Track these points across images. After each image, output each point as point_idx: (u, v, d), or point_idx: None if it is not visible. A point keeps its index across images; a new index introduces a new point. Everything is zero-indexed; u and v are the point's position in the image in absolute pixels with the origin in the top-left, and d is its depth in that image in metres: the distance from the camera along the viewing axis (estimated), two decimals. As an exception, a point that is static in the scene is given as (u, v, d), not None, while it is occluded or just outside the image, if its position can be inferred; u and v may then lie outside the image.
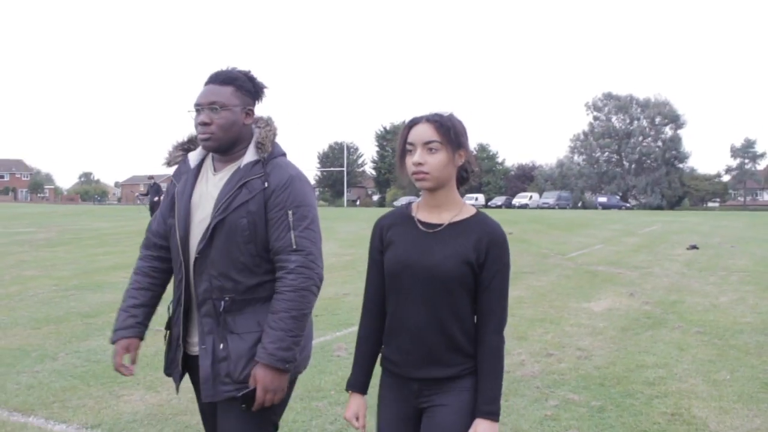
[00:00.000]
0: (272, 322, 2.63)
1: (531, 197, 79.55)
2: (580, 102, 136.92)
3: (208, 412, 2.92)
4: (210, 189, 2.79)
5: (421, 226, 2.49)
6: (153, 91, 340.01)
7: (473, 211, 2.52)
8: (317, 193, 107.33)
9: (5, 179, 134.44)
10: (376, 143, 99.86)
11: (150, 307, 2.94)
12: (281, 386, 2.65)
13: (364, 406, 2.59)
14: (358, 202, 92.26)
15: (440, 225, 2.47)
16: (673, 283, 12.79)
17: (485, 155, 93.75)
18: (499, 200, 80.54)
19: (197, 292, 2.74)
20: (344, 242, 21.16)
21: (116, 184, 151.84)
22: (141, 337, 2.91)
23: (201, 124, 2.72)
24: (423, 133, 2.42)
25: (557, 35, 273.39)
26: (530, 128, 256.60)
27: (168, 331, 2.93)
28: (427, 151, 2.40)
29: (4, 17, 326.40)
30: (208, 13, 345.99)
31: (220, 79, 2.75)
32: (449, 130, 2.41)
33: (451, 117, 2.46)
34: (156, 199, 25.00)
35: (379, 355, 2.62)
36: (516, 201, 78.75)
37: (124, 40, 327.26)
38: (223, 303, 2.68)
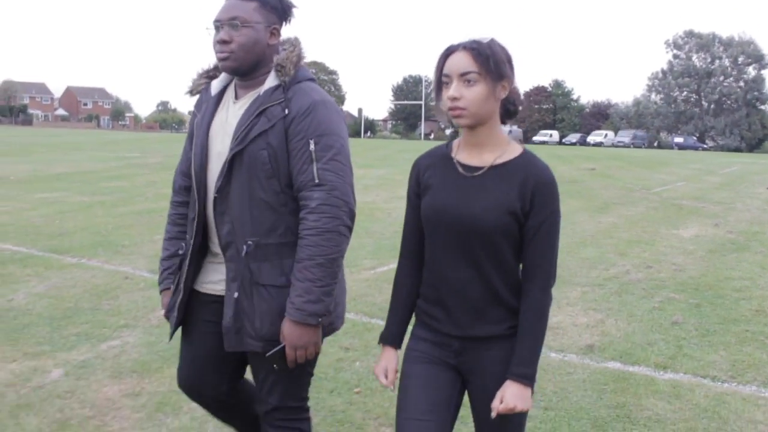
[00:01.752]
0: (297, 273, 2.40)
1: (606, 135, 79.21)
2: (659, 39, 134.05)
3: (190, 359, 2.74)
4: (230, 118, 2.56)
5: (460, 169, 2.24)
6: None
7: (519, 150, 2.25)
8: (389, 125, 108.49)
9: (88, 107, 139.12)
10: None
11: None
12: (312, 341, 2.44)
13: (395, 361, 2.39)
14: (432, 136, 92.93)
15: (482, 168, 2.22)
16: (754, 216, 13.86)
17: (560, 92, 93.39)
18: (573, 137, 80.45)
19: (220, 234, 2.53)
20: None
21: (189, 113, 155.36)
22: None
23: (220, 42, 2.47)
24: (459, 62, 2.14)
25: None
26: (607, 65, 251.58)
27: (172, 272, 2.77)
28: (465, 83, 2.13)
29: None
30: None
31: None
32: (488, 59, 2.12)
33: (491, 44, 2.16)
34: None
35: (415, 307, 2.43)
36: (591, 139, 78.54)
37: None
38: (245, 247, 2.45)
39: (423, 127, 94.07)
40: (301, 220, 2.43)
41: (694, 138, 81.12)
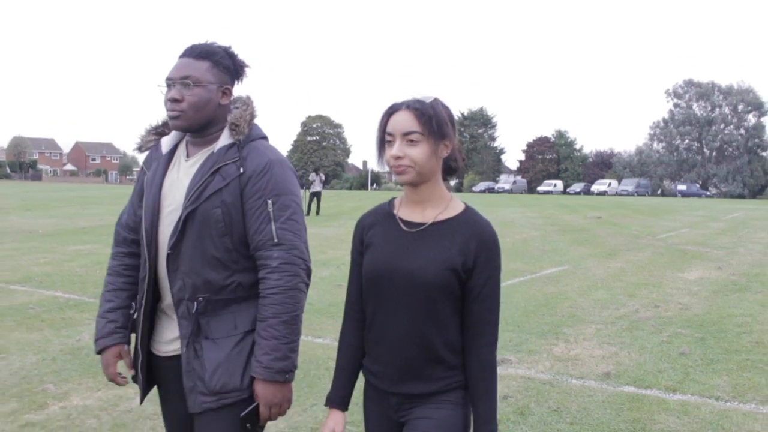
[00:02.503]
0: (262, 331, 2.39)
1: (610, 184, 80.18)
2: (660, 89, 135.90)
3: (176, 420, 2.69)
4: (181, 176, 2.53)
5: (402, 225, 2.24)
6: (262, 80, 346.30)
7: (461, 207, 2.25)
8: (394, 177, 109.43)
9: (96, 161, 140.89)
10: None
11: (128, 308, 2.66)
12: (285, 397, 2.44)
13: (343, 423, 2.34)
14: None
15: (423, 224, 2.22)
16: (756, 259, 14.55)
17: (563, 142, 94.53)
18: (577, 187, 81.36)
19: (172, 291, 2.49)
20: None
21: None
22: (127, 342, 2.66)
23: (171, 100, 2.44)
24: (402, 122, 2.15)
25: (637, 21, 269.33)
26: (609, 115, 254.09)
27: (126, 332, 2.66)
28: (408, 143, 2.14)
29: (98, 7, 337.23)
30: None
31: (196, 52, 2.49)
32: (431, 119, 2.13)
33: (434, 104, 2.17)
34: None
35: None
36: (595, 188, 79.54)
37: (216, 28, 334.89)
38: (196, 304, 2.43)
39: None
40: (261, 279, 2.43)
41: (697, 185, 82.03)
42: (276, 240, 2.41)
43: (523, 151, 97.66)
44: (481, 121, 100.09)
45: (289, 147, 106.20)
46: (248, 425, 2.42)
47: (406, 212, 2.27)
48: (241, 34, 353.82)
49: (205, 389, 2.42)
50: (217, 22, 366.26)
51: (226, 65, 2.52)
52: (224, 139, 2.50)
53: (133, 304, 2.65)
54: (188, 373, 2.46)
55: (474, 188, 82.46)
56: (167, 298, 2.54)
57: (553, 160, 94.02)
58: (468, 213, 2.23)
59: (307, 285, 2.48)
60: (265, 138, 2.61)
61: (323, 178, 29.06)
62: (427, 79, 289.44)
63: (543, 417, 4.96)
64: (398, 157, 2.14)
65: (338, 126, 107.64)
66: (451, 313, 2.18)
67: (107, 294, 2.68)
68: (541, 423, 4.85)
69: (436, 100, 2.19)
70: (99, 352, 2.66)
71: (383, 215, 2.31)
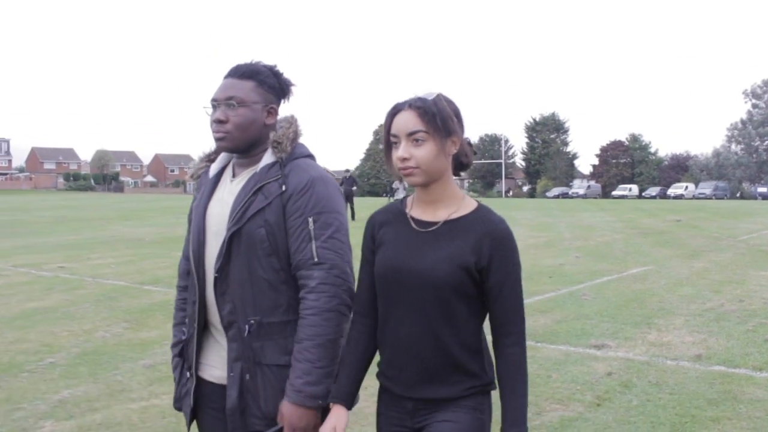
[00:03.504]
0: (296, 353, 2.35)
1: (687, 187, 79.04)
2: (737, 89, 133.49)
3: None
4: (225, 196, 2.52)
5: (414, 225, 2.20)
6: (335, 90, 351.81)
7: (474, 205, 2.21)
8: (466, 184, 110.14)
9: (175, 173, 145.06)
10: (526, 134, 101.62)
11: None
12: (311, 424, 2.35)
13: (345, 422, 2.28)
14: (510, 193, 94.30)
15: (435, 223, 2.18)
16: (839, 259, 14.86)
17: (638, 145, 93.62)
18: (653, 191, 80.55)
19: (222, 314, 2.47)
20: (531, 227, 24.04)
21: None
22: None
23: (216, 122, 2.45)
24: (406, 122, 2.11)
25: (713, 20, 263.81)
26: (684, 117, 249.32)
27: (177, 359, 2.66)
28: (413, 143, 2.10)
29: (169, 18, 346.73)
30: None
31: (240, 72, 2.49)
32: (435, 117, 2.10)
33: (437, 100, 2.13)
34: (354, 188, 29.04)
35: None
36: (671, 191, 78.48)
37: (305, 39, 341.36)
38: (247, 326, 2.40)
39: (497, 186, 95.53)
40: (301, 299, 2.37)
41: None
42: (316, 259, 2.35)
43: (597, 156, 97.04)
44: (553, 126, 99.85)
45: (362, 156, 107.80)
46: None
47: (417, 211, 2.22)
48: (304, 45, 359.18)
49: (259, 412, 2.40)
50: (281, 37, 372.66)
51: (271, 84, 2.51)
52: (267, 157, 2.48)
53: (184, 329, 2.64)
54: (241, 395, 2.41)
55: (547, 194, 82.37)
56: (217, 322, 2.50)
57: (628, 164, 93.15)
58: (481, 211, 2.17)
59: (349, 307, 2.39)
60: (309, 156, 2.57)
61: (407, 185, 30.07)
62: (497, 85, 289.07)
63: (645, 389, 5.75)
64: (404, 159, 2.10)
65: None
66: (466, 314, 2.13)
67: (174, 329, 2.73)
68: (643, 393, 5.64)
69: (439, 96, 2.14)
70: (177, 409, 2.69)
71: (395, 214, 2.27)
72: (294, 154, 2.49)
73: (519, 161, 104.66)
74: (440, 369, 2.14)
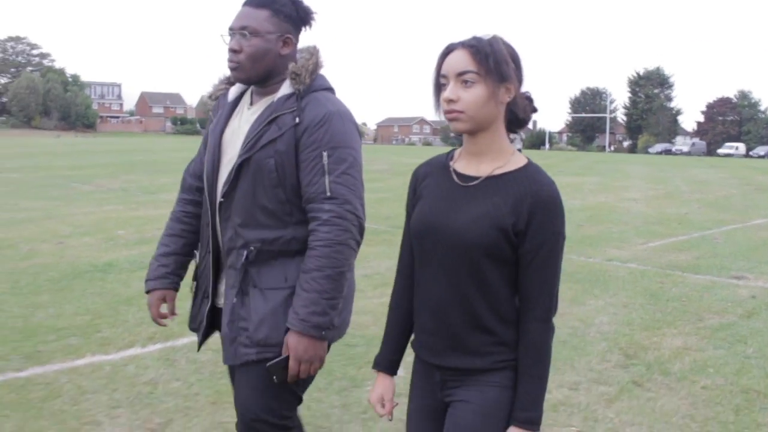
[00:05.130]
0: (304, 283, 2.30)
1: (797, 147, 76.86)
2: None
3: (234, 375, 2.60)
4: (242, 124, 2.50)
5: (456, 178, 2.02)
6: (409, 39, 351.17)
7: (523, 162, 1.98)
8: (565, 137, 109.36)
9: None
10: (629, 89, 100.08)
11: (182, 255, 2.70)
12: (318, 355, 2.34)
13: (392, 390, 2.18)
14: (612, 148, 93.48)
15: (477, 178, 1.98)
16: None
17: (746, 103, 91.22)
18: (761, 150, 78.52)
19: (223, 240, 2.49)
20: (647, 180, 24.94)
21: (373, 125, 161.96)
22: (175, 288, 2.70)
23: (230, 51, 2.41)
24: (457, 61, 1.92)
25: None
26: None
27: (194, 282, 2.69)
28: (462, 84, 1.91)
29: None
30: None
31: (257, 1, 2.43)
32: (487, 57, 1.89)
33: (492, 41, 1.93)
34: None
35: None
36: (780, 150, 76.47)
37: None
38: (246, 253, 2.39)
39: (597, 140, 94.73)
40: (311, 231, 2.35)
41: None
42: (329, 193, 2.32)
43: (702, 113, 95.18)
44: (657, 81, 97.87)
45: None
46: (275, 377, 2.32)
47: (461, 164, 2.04)
48: None
49: (248, 340, 2.37)
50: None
51: (288, 13, 2.44)
52: (285, 88, 2.44)
53: (196, 252, 2.68)
54: (231, 323, 2.41)
55: (650, 150, 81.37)
56: (221, 247, 2.53)
57: (735, 122, 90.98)
58: (529, 169, 1.97)
59: (359, 242, 2.39)
60: (329, 89, 2.52)
61: (523, 137, 31.16)
62: (600, 38, 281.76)
63: (788, 308, 6.96)
64: (451, 101, 1.92)
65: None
66: (500, 279, 1.94)
67: (164, 238, 2.72)
68: (788, 311, 6.86)
69: (495, 37, 1.95)
70: (147, 292, 2.69)
71: (438, 166, 2.10)
72: (312, 86, 2.45)
73: (620, 116, 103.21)
74: (470, 337, 1.97)
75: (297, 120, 2.37)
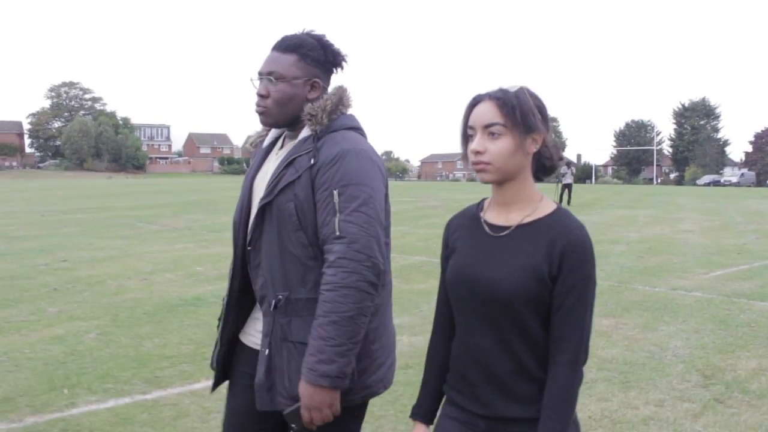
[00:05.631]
0: (313, 330, 2.24)
1: None
2: None
3: (237, 411, 2.57)
4: (270, 168, 2.48)
5: (487, 229, 2.03)
6: (452, 76, 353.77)
7: (552, 207, 2.00)
8: (610, 170, 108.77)
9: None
10: (674, 120, 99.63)
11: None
12: (329, 404, 2.24)
13: None
14: (659, 180, 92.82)
15: (508, 227, 1.99)
16: None
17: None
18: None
19: (255, 287, 2.47)
20: (701, 212, 25.04)
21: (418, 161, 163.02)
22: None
23: (258, 95, 2.41)
24: (483, 114, 1.93)
25: None
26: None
27: (219, 322, 2.65)
28: (489, 136, 1.93)
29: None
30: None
31: (284, 45, 2.41)
32: (514, 110, 1.90)
33: (519, 93, 1.94)
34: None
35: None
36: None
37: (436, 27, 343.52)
38: (275, 301, 2.35)
39: (655, 171, 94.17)
40: (322, 274, 2.27)
41: None
42: (338, 233, 2.24)
43: (750, 143, 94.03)
44: (703, 111, 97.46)
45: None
46: (293, 425, 2.32)
47: (492, 215, 2.05)
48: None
49: (284, 392, 2.34)
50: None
51: (316, 57, 2.42)
52: (305, 130, 2.41)
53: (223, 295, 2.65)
54: (268, 372, 2.37)
55: (697, 181, 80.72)
56: (255, 295, 2.52)
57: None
58: (558, 214, 1.98)
59: (372, 284, 2.25)
60: (352, 128, 2.45)
61: (574, 171, 31.58)
62: (644, 70, 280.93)
63: None
64: (478, 152, 1.94)
65: (553, 120, 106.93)
66: (541, 327, 1.94)
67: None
68: None
69: (521, 89, 1.97)
70: None
71: (470, 218, 2.11)
72: (332, 126, 2.39)
73: (666, 148, 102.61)
74: (516, 384, 1.96)
75: (312, 161, 2.33)
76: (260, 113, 2.44)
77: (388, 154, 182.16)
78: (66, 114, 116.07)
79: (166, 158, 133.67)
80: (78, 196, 34.78)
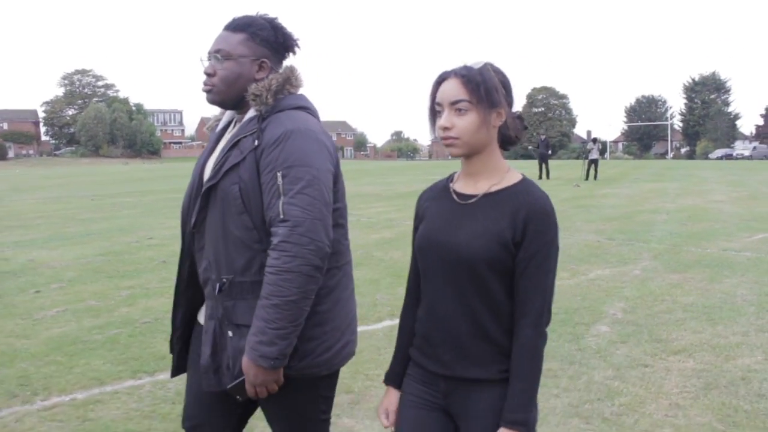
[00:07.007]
0: (256, 310, 2.23)
1: None
2: None
3: (197, 389, 2.52)
4: (218, 151, 2.45)
5: (455, 197, 2.12)
6: (460, 57, 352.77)
7: (518, 178, 2.08)
8: (620, 146, 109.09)
9: (334, 139, 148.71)
10: (684, 95, 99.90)
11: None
12: (270, 380, 2.26)
13: (396, 403, 2.25)
14: (671, 155, 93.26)
15: (475, 196, 2.08)
16: None
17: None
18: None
19: (198, 270, 2.46)
20: (725, 184, 25.94)
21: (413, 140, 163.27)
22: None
23: (204, 73, 2.39)
24: (450, 91, 2.02)
25: None
26: None
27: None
28: (456, 112, 2.01)
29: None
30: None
31: (234, 25, 2.40)
32: (479, 86, 1.99)
33: (482, 69, 2.02)
34: (549, 151, 31.70)
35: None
36: None
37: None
38: (219, 284, 2.33)
39: (669, 146, 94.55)
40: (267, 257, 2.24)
41: None
42: (282, 216, 2.20)
43: (762, 116, 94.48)
44: (713, 86, 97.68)
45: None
46: (238, 396, 2.36)
47: (460, 184, 2.15)
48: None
49: (230, 374, 2.35)
50: None
51: (265, 37, 2.40)
52: (251, 111, 2.38)
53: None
54: (214, 354, 2.38)
55: (710, 155, 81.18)
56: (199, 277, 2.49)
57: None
58: (523, 184, 2.06)
59: (317, 267, 2.21)
60: (300, 108, 2.40)
61: (600, 147, 32.57)
62: (653, 45, 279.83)
63: None
64: (446, 128, 2.01)
65: (563, 97, 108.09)
66: (503, 291, 2.02)
67: None
68: None
69: (485, 65, 2.04)
70: None
71: (440, 189, 2.20)
72: (278, 106, 2.35)
73: (677, 123, 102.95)
74: (475, 346, 2.04)
75: (256, 142, 2.29)
76: (207, 92, 2.43)
77: (398, 134, 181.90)
78: (80, 101, 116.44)
79: (180, 143, 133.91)
80: (108, 182, 34.95)
